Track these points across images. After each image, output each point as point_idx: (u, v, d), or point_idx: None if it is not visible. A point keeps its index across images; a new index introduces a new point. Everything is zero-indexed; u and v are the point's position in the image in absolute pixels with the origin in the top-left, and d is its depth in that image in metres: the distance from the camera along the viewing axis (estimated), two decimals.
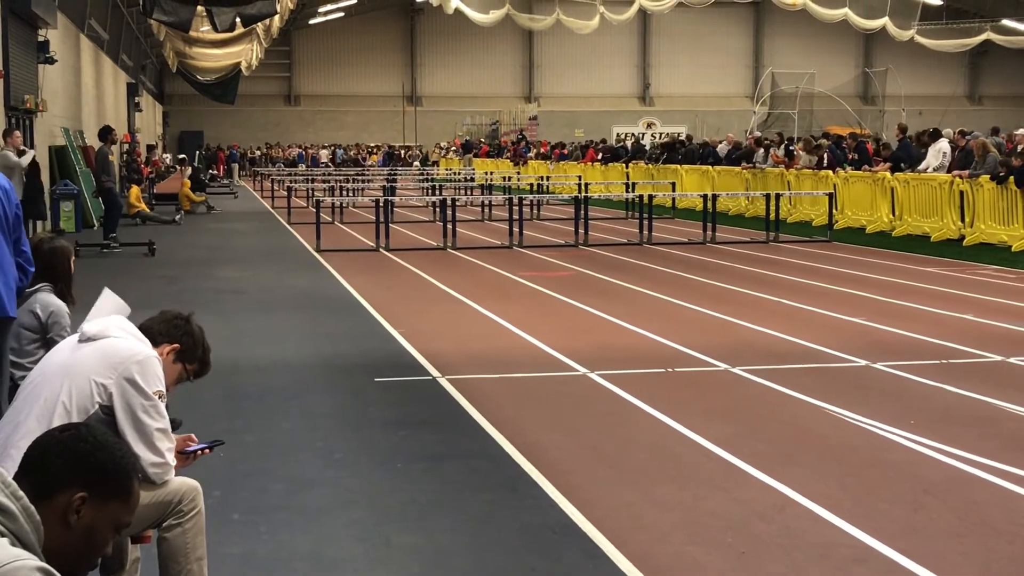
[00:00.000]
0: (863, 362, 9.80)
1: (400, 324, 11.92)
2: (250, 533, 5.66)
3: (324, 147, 64.42)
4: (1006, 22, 53.83)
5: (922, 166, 22.19)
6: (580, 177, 35.99)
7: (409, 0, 66.38)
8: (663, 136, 56.34)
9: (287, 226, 26.03)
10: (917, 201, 21.80)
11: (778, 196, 23.07)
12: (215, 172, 54.01)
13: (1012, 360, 9.89)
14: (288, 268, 17.82)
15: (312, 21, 63.78)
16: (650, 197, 23.87)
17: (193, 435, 4.62)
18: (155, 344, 4.38)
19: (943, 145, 22.16)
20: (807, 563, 5.23)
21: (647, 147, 39.99)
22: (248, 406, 8.41)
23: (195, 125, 65.36)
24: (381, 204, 21.79)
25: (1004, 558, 5.28)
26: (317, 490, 6.35)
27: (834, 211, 23.20)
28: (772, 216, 22.13)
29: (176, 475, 4.32)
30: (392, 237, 21.28)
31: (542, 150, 48.65)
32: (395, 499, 6.17)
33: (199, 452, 4.54)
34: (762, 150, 28.55)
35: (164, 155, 53.45)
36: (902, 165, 23.00)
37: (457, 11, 50.41)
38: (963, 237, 20.23)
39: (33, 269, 6.08)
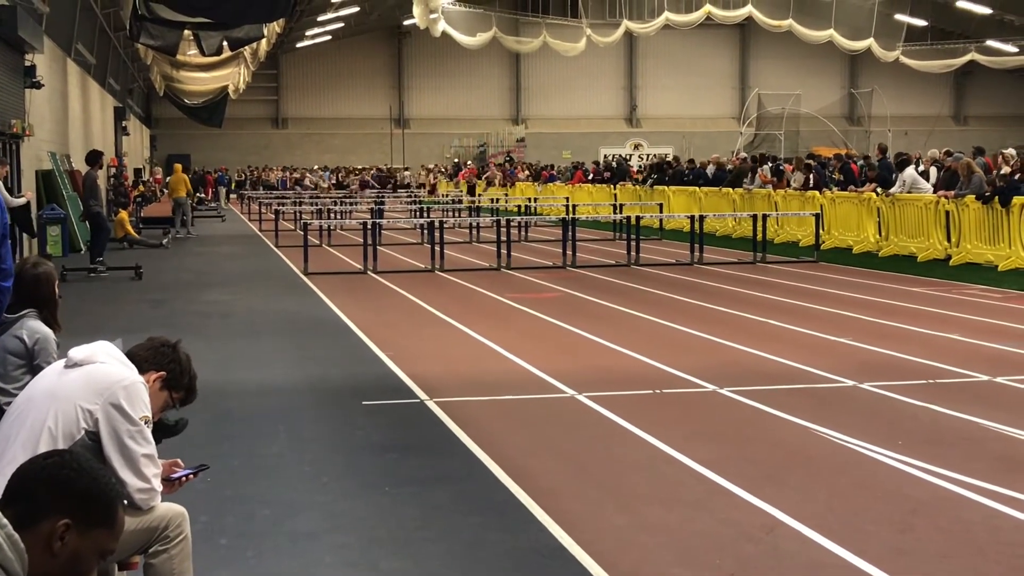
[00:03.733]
0: (850, 382, 9.82)
1: (388, 347, 11.91)
2: (237, 558, 5.64)
3: (309, 171, 64.02)
4: (990, 43, 54.17)
5: (893, 189, 22.28)
6: (568, 199, 36.07)
7: (396, 23, 66.51)
8: (651, 157, 56.48)
9: (274, 249, 26.02)
10: (903, 221, 21.89)
11: (765, 217, 23.14)
12: (203, 195, 53.96)
13: (999, 380, 9.91)
14: (275, 291, 17.79)
15: (299, 44, 63.88)
16: (638, 218, 23.92)
17: (179, 460, 4.61)
18: (141, 371, 4.37)
19: (908, 172, 22.26)
20: None
21: (635, 166, 40.08)
22: (235, 430, 8.38)
23: (183, 148, 65.30)
24: (369, 227, 21.80)
25: None
26: (304, 514, 6.33)
27: (821, 232, 23.28)
28: (759, 237, 22.19)
29: (162, 500, 4.31)
30: (380, 260, 21.28)
31: (519, 175, 48.77)
32: (383, 523, 6.16)
33: (185, 478, 4.53)
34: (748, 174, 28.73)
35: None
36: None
37: (444, 34, 50.56)
38: (949, 257, 20.30)
39: (9, 284, 6.00)
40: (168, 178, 39.15)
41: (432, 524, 6.13)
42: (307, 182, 59.87)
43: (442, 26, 49.43)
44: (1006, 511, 6.22)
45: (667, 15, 51.44)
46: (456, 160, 64.22)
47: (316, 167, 65.48)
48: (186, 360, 4.56)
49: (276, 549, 5.76)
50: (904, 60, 53.57)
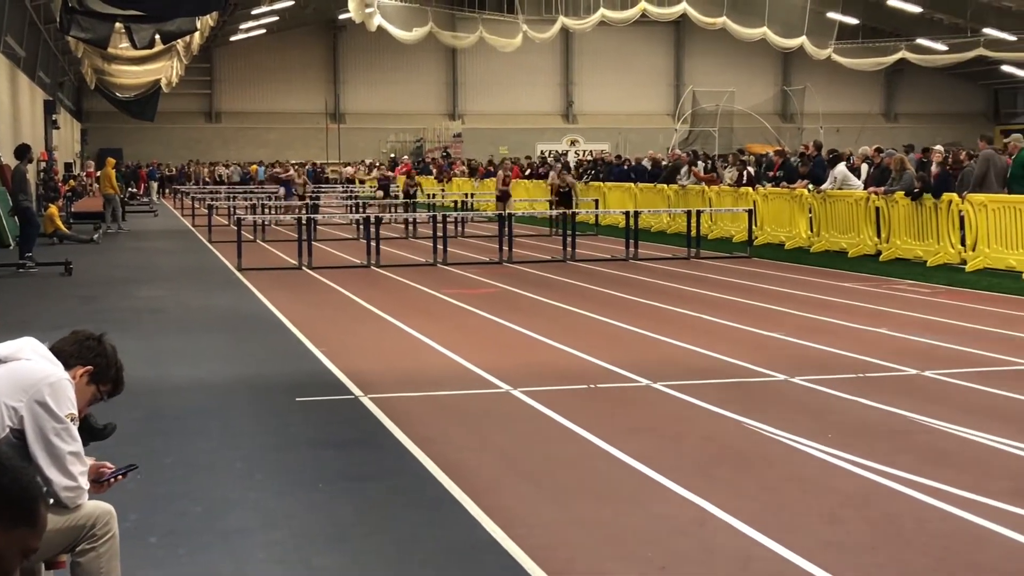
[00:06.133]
0: (782, 377, 9.93)
1: (323, 343, 11.85)
2: (168, 556, 5.58)
3: (226, 165, 63.11)
4: (921, 41, 54.98)
5: (824, 186, 22.56)
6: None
7: (331, 17, 66.12)
8: (587, 153, 56.71)
9: (208, 244, 25.78)
10: (834, 217, 22.17)
11: (699, 213, 23.32)
12: (135, 190, 53.31)
13: (927, 373, 10.08)
14: (209, 287, 17.64)
15: (233, 38, 63.35)
16: (574, 214, 23.99)
17: (108, 463, 4.55)
18: (68, 366, 4.31)
19: (839, 169, 22.57)
20: None
21: (570, 163, 40.23)
22: (167, 427, 8.30)
23: (114, 143, 64.47)
24: (304, 222, 21.67)
25: (918, 570, 5.37)
26: (237, 512, 6.29)
27: (754, 227, 23.51)
28: (693, 233, 22.37)
29: (90, 499, 4.26)
30: (315, 255, 21.16)
31: (455, 171, 48.68)
32: (316, 520, 6.13)
33: (114, 479, 4.47)
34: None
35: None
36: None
37: (380, 28, 50.39)
38: (879, 252, 20.60)
39: None
40: (100, 172, 38.61)
41: (366, 520, 6.12)
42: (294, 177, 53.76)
43: (378, 20, 49.26)
44: (933, 503, 6.32)
45: (603, 12, 51.65)
46: (392, 155, 64.00)
47: (226, 162, 64.68)
48: (112, 352, 4.50)
49: (207, 547, 5.71)
50: (836, 58, 54.24)
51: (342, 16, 59.95)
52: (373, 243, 21.29)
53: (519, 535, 5.80)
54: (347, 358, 10.96)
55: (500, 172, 31.15)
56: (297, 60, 69.34)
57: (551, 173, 30.75)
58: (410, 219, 28.77)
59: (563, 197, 27.87)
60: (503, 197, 29.04)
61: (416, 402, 9.12)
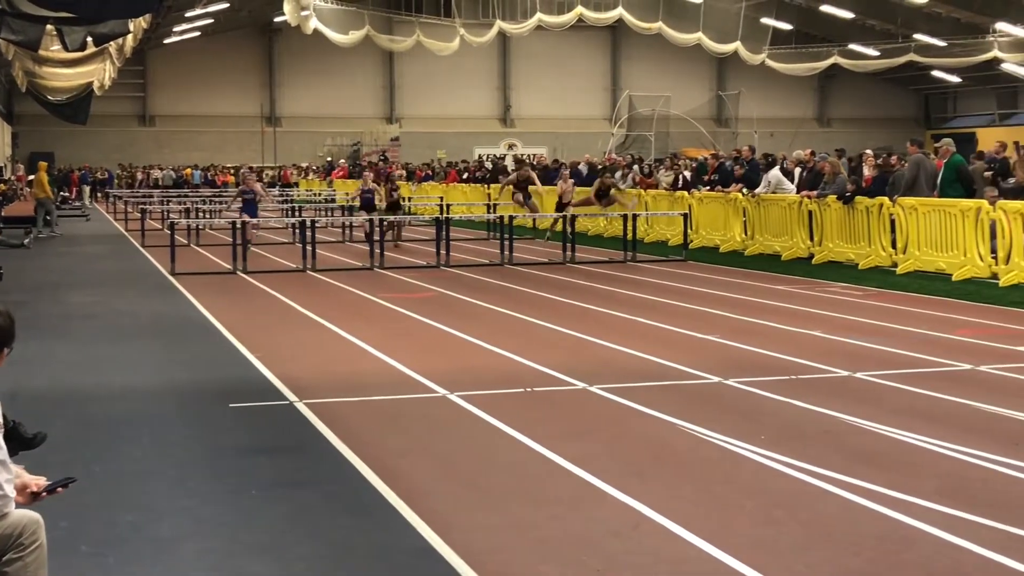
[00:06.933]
0: (716, 379, 10.01)
1: (257, 348, 11.76)
2: (98, 565, 5.51)
3: (161, 168, 62.44)
4: (853, 46, 55.70)
5: (758, 190, 22.79)
6: (442, 198, 36.04)
7: (267, 20, 65.63)
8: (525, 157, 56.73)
9: (141, 249, 25.48)
10: (768, 221, 22.39)
11: (635, 217, 23.45)
12: (67, 194, 52.59)
13: (858, 375, 10.20)
14: (142, 293, 17.43)
15: (167, 41, 62.63)
16: (511, 218, 24.03)
17: (43, 478, 4.47)
18: None
19: (773, 173, 22.81)
20: None
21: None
22: (98, 435, 8.19)
23: (46, 146, 63.47)
24: (238, 226, 21.49)
25: (849, 570, 5.44)
26: (168, 520, 6.22)
27: (689, 231, 23.68)
28: (629, 236, 22.48)
29: (17, 508, 4.20)
30: (250, 260, 20.99)
31: (390, 171, 48.43)
32: (249, 527, 6.08)
33: (50, 492, 4.40)
34: (620, 172, 29.05)
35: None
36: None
37: (316, 31, 50.10)
38: (812, 256, 20.84)
39: None
40: (31, 176, 38.03)
41: (299, 526, 6.07)
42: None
43: (314, 23, 48.98)
44: (863, 503, 6.40)
45: (540, 16, 51.78)
46: (329, 159, 63.67)
47: (160, 165, 63.99)
48: (6, 312, 4.42)
49: (139, 556, 5.65)
50: (770, 63, 54.80)
51: (278, 19, 59.52)
52: (309, 247, 21.15)
53: (455, 541, 5.80)
54: (282, 363, 10.88)
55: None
56: (232, 63, 68.73)
57: (559, 182, 27.77)
58: (347, 223, 28.62)
59: (605, 199, 24.98)
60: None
61: (352, 407, 9.08)
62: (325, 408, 8.91)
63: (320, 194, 45.20)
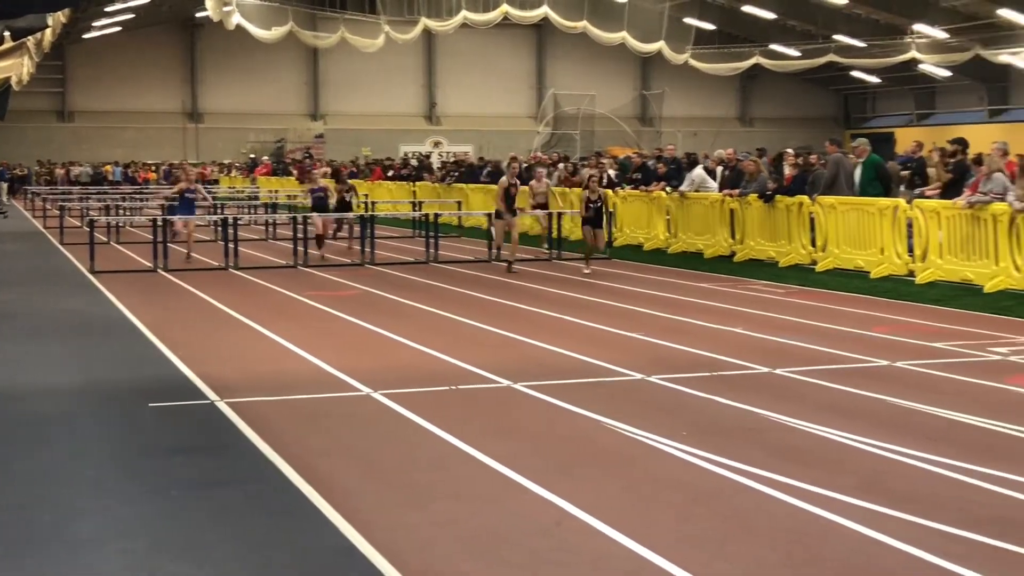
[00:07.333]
0: (639, 376, 10.08)
1: (178, 347, 11.62)
2: (15, 567, 5.42)
3: (80, 164, 61.40)
4: (774, 47, 56.35)
5: (682, 188, 22.97)
6: (367, 196, 35.86)
7: (188, 15, 64.83)
8: (450, 155, 56.70)
9: (60, 247, 25.06)
10: (691, 219, 22.59)
11: (560, 215, 23.53)
12: None
13: (778, 371, 10.34)
14: (60, 291, 17.15)
15: (87, 36, 61.63)
16: (436, 216, 23.99)
17: None
18: None
19: (696, 172, 23.02)
20: None
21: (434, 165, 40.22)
22: (15, 434, 8.06)
23: None
24: (159, 223, 21.22)
25: (768, 563, 5.51)
26: (87, 520, 6.13)
27: (613, 229, 23.81)
28: (555, 235, 22.54)
29: None
30: (171, 257, 20.73)
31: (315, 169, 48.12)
32: (168, 527, 6.01)
33: None
34: (544, 170, 29.07)
35: None
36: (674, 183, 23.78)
37: (238, 27, 49.63)
38: (734, 253, 21.06)
39: None
40: None
41: (220, 526, 6.02)
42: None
43: (236, 19, 48.54)
44: (782, 497, 6.48)
45: (465, 14, 51.73)
46: (252, 156, 63.10)
47: (79, 162, 62.94)
48: None
49: (56, 556, 5.56)
50: (693, 63, 55.24)
51: (200, 14, 58.84)
52: (232, 245, 20.95)
53: (377, 540, 5.78)
54: (203, 362, 10.77)
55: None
56: (153, 59, 67.76)
57: (532, 180, 24.85)
58: (270, 220, 28.38)
59: (595, 214, 20.03)
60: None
61: (273, 406, 9.01)
62: (247, 407, 8.84)
63: (243, 191, 44.74)
